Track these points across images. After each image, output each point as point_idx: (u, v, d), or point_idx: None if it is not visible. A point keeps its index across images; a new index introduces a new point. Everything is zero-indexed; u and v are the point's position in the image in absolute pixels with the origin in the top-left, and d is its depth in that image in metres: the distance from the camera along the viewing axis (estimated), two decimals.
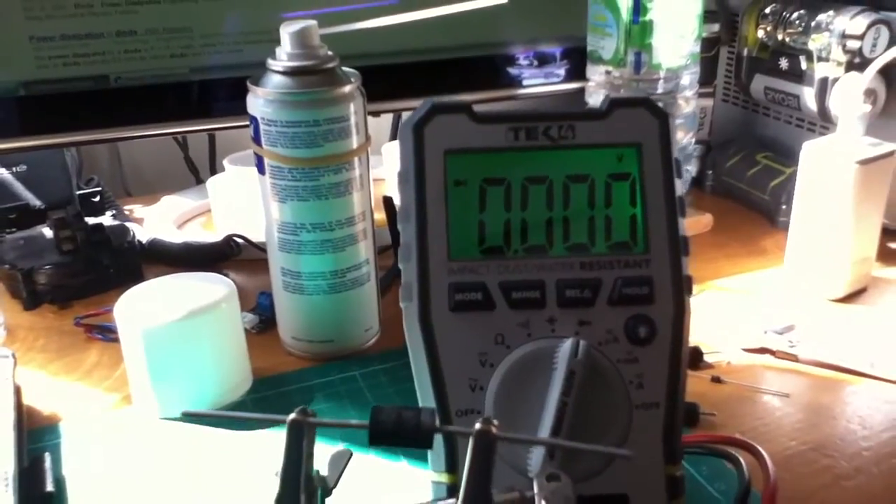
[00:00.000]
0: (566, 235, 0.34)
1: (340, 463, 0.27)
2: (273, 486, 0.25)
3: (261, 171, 0.52)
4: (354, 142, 0.51)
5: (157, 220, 0.75)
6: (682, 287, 0.33)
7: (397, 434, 0.21)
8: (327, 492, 0.27)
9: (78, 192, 0.73)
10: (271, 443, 0.46)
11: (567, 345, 0.31)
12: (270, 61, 0.50)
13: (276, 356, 0.56)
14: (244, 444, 0.46)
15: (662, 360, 0.33)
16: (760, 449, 0.37)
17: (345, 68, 0.51)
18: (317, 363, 0.55)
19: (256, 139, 0.51)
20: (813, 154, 0.61)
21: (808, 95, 0.71)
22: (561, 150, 0.34)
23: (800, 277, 0.64)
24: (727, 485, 0.41)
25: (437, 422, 0.22)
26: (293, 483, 0.22)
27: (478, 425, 0.21)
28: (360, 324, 0.55)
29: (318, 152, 0.49)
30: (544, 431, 0.30)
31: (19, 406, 0.48)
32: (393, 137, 0.91)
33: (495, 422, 0.21)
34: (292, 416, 0.21)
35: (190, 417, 0.22)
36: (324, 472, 0.27)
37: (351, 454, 0.27)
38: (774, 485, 0.35)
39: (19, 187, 0.70)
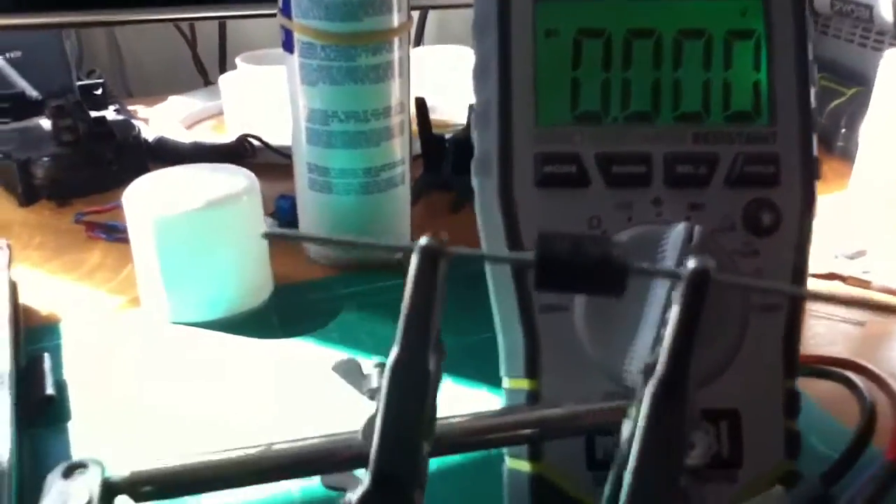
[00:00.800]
0: (676, 102, 0.28)
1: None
2: (324, 383, 0.20)
3: (289, 49, 0.45)
4: (395, 19, 0.45)
5: (163, 121, 0.69)
6: (813, 168, 0.28)
7: (576, 269, 0.16)
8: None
9: (78, 84, 0.66)
10: (297, 353, 0.41)
11: (679, 229, 0.26)
12: None
13: (298, 264, 0.50)
14: (267, 352, 0.41)
15: (787, 254, 0.27)
16: (883, 375, 0.32)
17: None
18: (343, 272, 0.49)
19: (286, 10, 0.44)
20: (895, 64, 0.55)
21: (885, 4, 0.65)
22: (673, 0, 0.28)
23: (868, 201, 0.59)
24: (807, 416, 0.37)
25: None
26: (420, 338, 0.16)
27: (692, 263, 0.15)
28: (393, 230, 0.50)
29: (357, 27, 0.43)
30: (647, 334, 0.25)
31: (15, 303, 0.42)
32: (417, 43, 0.84)
33: (710, 260, 0.15)
34: (424, 240, 0.15)
35: (268, 236, 0.16)
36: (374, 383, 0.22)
37: None
38: None
39: (14, 74, 0.63)
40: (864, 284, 0.50)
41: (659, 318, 0.25)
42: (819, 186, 0.65)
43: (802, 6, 0.28)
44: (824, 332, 0.46)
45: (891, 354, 0.44)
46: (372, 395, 0.22)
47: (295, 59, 0.45)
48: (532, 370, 0.26)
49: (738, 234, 0.27)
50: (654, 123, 0.28)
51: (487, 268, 0.28)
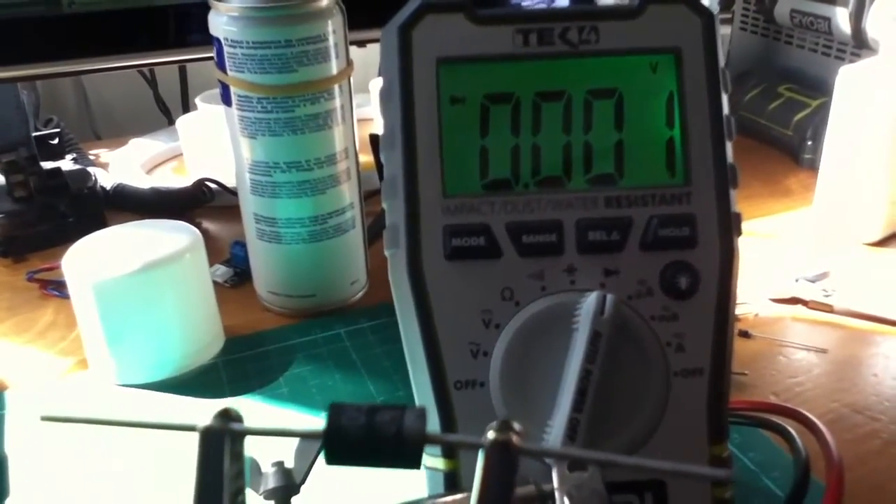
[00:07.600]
0: (588, 165, 0.27)
1: (310, 452, 0.21)
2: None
3: (227, 102, 0.45)
4: (334, 66, 0.44)
5: (123, 165, 0.69)
6: (731, 226, 0.27)
7: (367, 447, 0.15)
8: (294, 489, 0.21)
9: (34, 134, 0.66)
10: (249, 411, 0.40)
11: (591, 300, 0.25)
12: None
13: (252, 313, 0.50)
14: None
15: (707, 317, 0.26)
16: (816, 421, 0.32)
17: None
18: (297, 320, 0.49)
19: (220, 64, 0.44)
20: (850, 80, 0.55)
21: (842, 17, 0.64)
22: (582, 58, 0.27)
23: (831, 219, 0.58)
24: (763, 455, 0.36)
25: (427, 425, 0.15)
26: None
27: (491, 434, 0.14)
28: (345, 276, 0.49)
29: (292, 78, 0.43)
30: (563, 407, 0.25)
31: None
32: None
33: (516, 426, 0.14)
34: (208, 422, 0.15)
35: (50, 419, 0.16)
36: (289, 464, 0.22)
37: None
38: (839, 467, 0.29)
39: None
40: (827, 308, 0.50)
41: (572, 398, 0.24)
42: (785, 202, 0.65)
43: (715, 60, 0.27)
44: (785, 361, 0.45)
45: (854, 384, 0.43)
46: (268, 495, 0.21)
47: (234, 111, 0.45)
48: (449, 449, 0.26)
49: (655, 298, 0.26)
50: (565, 188, 0.27)
51: (403, 341, 0.27)
